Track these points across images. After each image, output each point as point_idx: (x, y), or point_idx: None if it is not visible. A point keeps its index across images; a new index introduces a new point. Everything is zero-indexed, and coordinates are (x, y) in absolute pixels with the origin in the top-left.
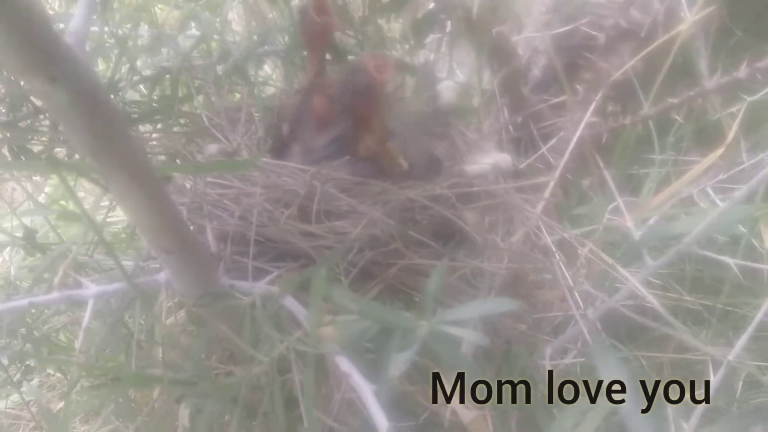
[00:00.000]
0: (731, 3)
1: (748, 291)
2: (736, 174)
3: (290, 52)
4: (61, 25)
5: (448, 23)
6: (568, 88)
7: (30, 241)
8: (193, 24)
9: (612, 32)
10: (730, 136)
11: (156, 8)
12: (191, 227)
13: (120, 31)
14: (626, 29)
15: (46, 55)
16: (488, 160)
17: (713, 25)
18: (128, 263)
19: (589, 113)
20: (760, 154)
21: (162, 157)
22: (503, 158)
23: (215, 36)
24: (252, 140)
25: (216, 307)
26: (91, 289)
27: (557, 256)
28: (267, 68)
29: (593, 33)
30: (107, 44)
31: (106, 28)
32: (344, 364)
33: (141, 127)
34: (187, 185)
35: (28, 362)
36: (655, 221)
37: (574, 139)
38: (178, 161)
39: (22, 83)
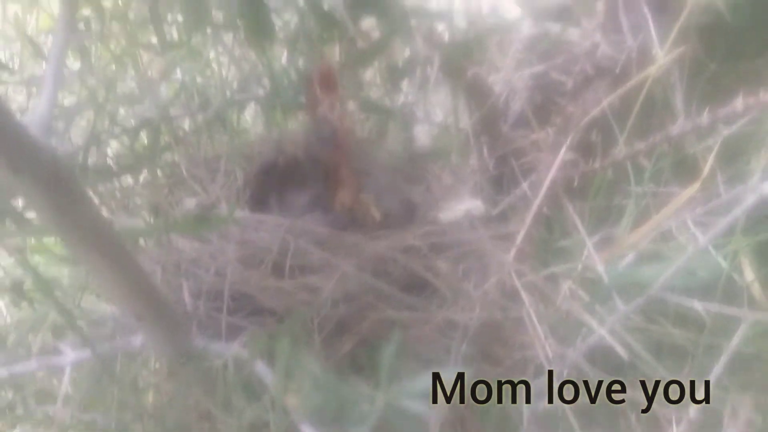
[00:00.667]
0: (704, 36)
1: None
2: (714, 207)
3: (271, 99)
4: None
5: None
6: (539, 128)
7: (18, 293)
8: (177, 70)
9: (579, 77)
10: (706, 170)
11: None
12: (166, 286)
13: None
14: (596, 72)
15: (8, 149)
16: (461, 206)
17: (687, 59)
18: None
19: (559, 157)
20: (738, 186)
21: (143, 210)
22: (476, 205)
23: (197, 83)
24: (231, 191)
25: (190, 368)
26: (68, 355)
27: (527, 302)
28: (247, 115)
29: (561, 79)
30: (87, 96)
31: (87, 80)
32: None
33: (122, 180)
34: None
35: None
36: (632, 258)
37: (545, 184)
38: (159, 214)
39: None
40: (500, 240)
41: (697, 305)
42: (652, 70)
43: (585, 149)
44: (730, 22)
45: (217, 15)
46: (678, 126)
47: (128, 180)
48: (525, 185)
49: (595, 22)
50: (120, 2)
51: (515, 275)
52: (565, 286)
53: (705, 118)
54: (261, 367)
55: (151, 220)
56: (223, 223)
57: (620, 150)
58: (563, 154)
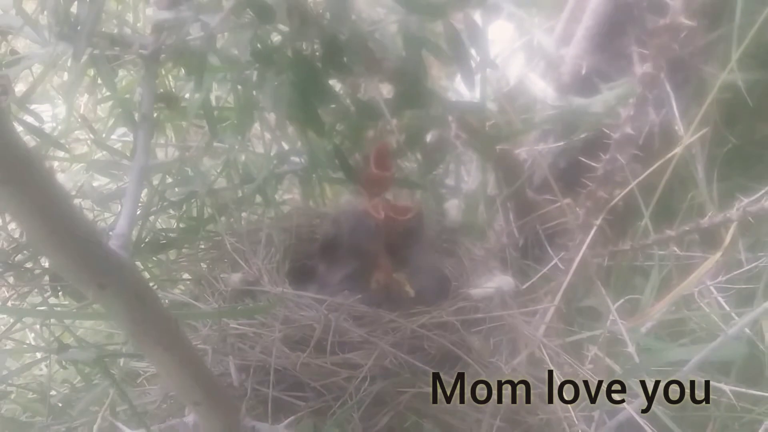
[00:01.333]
0: (724, 111)
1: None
2: (737, 274)
3: (309, 173)
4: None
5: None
6: (563, 194)
7: (63, 354)
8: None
9: (609, 165)
10: (728, 239)
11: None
12: (214, 362)
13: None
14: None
15: (96, 268)
16: (492, 284)
17: (708, 134)
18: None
19: (589, 238)
20: (759, 253)
21: (188, 282)
22: (506, 281)
23: (239, 158)
24: (272, 263)
25: None
26: None
27: (556, 376)
28: (285, 185)
29: (592, 164)
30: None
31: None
32: None
33: (169, 254)
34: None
35: None
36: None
37: (574, 264)
38: (203, 284)
39: None
40: (530, 315)
41: (723, 387)
42: (678, 151)
43: (612, 224)
44: (749, 99)
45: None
46: (708, 219)
47: (174, 254)
48: (556, 259)
49: (627, 113)
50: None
51: (544, 350)
52: (591, 353)
53: (735, 211)
54: None
55: (197, 292)
56: (269, 310)
57: (648, 233)
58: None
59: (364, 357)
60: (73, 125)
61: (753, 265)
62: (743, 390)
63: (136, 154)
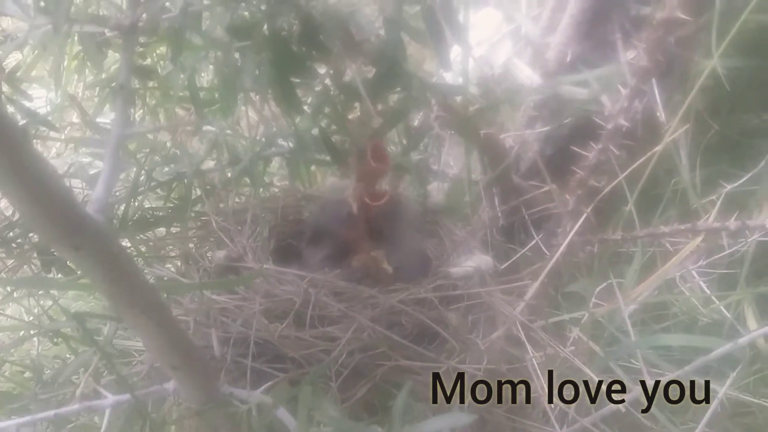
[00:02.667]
0: (707, 97)
1: None
2: (718, 259)
3: (295, 155)
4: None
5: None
6: (550, 180)
7: (55, 332)
8: (206, 127)
9: (601, 156)
10: (710, 222)
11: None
12: (197, 334)
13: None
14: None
15: (71, 229)
16: (471, 262)
17: (691, 120)
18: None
19: (578, 224)
20: (740, 239)
21: (176, 260)
22: (485, 261)
23: (227, 138)
24: (257, 242)
25: (217, 414)
26: (108, 399)
27: (531, 353)
28: (273, 167)
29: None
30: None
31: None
32: None
33: (156, 232)
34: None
35: None
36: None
37: (562, 247)
38: (190, 262)
39: None
40: (508, 294)
41: (717, 388)
42: (664, 142)
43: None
44: (729, 87)
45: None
46: (704, 224)
47: (161, 231)
48: (537, 239)
49: (620, 104)
50: (159, 68)
51: (521, 328)
52: (573, 334)
53: (733, 223)
54: (283, 413)
55: (183, 269)
56: (250, 281)
57: (632, 219)
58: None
59: (343, 331)
60: (66, 108)
61: (734, 249)
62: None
63: (114, 123)
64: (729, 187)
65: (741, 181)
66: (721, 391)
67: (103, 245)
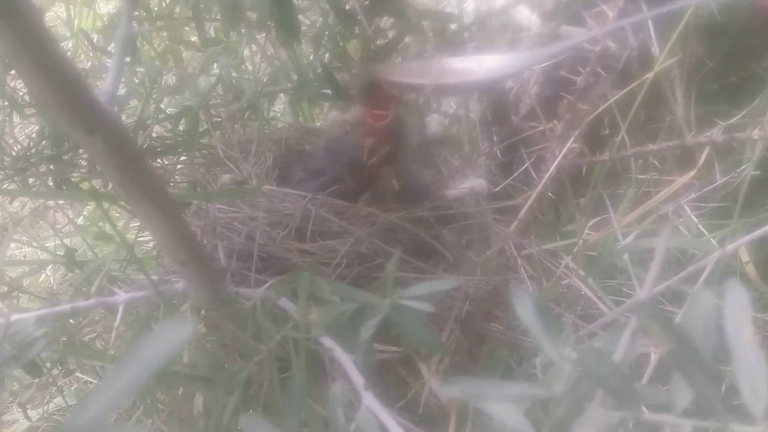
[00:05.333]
0: (703, 37)
1: None
2: (709, 191)
3: (297, 90)
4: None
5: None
6: (548, 120)
7: (70, 259)
8: (214, 65)
9: (588, 76)
10: (701, 160)
11: (181, 51)
12: (205, 245)
13: (149, 72)
14: (602, 68)
15: (84, 112)
16: (465, 185)
17: (687, 58)
18: (154, 277)
19: (567, 146)
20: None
21: (184, 185)
22: (479, 183)
23: (232, 76)
24: (261, 169)
25: (224, 311)
26: (121, 296)
27: (524, 270)
28: (277, 105)
29: (570, 76)
30: (138, 87)
31: (138, 70)
32: (328, 342)
33: (165, 159)
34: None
35: (68, 367)
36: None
37: (551, 169)
38: (197, 188)
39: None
40: (502, 215)
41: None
42: (652, 74)
43: (592, 141)
44: (723, 24)
45: (251, 15)
46: (692, 138)
47: (171, 160)
48: (529, 167)
49: (605, 27)
50: (164, 3)
51: (513, 246)
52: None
53: (720, 133)
54: (285, 302)
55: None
56: (253, 194)
57: (626, 144)
58: (571, 143)
59: (342, 245)
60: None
61: (726, 179)
62: None
63: (120, 23)
64: (725, 124)
65: (737, 118)
66: None
67: (113, 131)
